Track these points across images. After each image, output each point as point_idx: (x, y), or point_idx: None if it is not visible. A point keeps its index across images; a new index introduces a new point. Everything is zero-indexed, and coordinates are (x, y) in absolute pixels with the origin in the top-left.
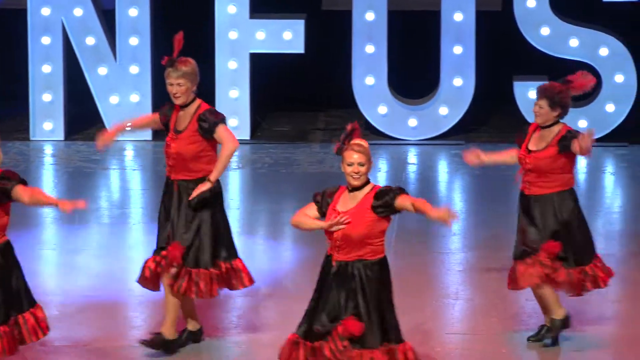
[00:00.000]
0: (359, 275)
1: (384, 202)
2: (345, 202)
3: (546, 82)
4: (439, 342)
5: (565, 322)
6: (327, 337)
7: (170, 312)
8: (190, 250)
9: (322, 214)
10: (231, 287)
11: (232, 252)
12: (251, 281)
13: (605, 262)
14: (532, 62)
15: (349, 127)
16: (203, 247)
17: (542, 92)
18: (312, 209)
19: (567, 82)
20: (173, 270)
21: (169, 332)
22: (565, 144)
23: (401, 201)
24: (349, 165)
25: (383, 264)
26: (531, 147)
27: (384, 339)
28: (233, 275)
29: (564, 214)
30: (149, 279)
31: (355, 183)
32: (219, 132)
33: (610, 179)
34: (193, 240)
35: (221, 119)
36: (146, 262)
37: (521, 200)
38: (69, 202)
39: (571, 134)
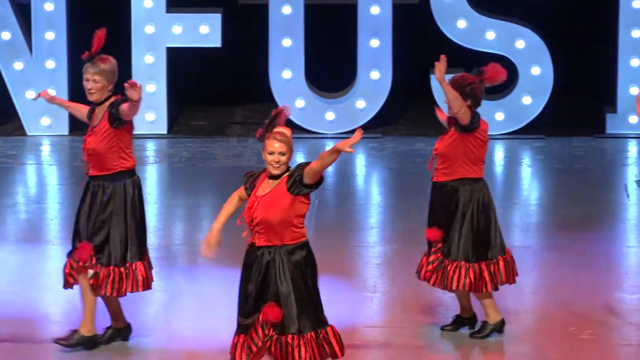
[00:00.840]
0: (279, 261)
1: (294, 179)
2: (265, 187)
3: (458, 74)
4: (357, 336)
5: (500, 327)
6: (251, 328)
7: (86, 309)
8: (103, 249)
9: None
10: (132, 289)
11: (140, 253)
12: (146, 287)
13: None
14: (449, 55)
15: (273, 112)
16: (115, 246)
17: (452, 84)
18: (243, 192)
19: (480, 73)
20: (91, 271)
21: (85, 329)
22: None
23: (307, 170)
24: (269, 154)
25: (305, 247)
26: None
27: (307, 325)
28: (133, 276)
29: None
30: (72, 283)
31: (275, 172)
32: (122, 106)
33: (527, 171)
34: (105, 239)
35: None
36: (65, 268)
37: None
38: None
39: None
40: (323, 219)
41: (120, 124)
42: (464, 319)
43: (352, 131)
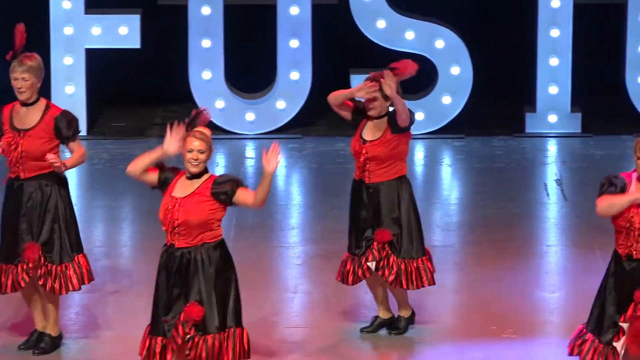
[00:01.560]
0: (200, 260)
1: (225, 191)
2: (184, 188)
3: (375, 73)
4: (278, 336)
5: (411, 319)
6: (173, 328)
7: (51, 311)
8: (51, 247)
9: (159, 187)
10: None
11: (80, 245)
12: (91, 278)
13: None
14: (368, 55)
15: (194, 111)
16: (60, 242)
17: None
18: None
19: (391, 69)
20: (39, 271)
21: (53, 330)
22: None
23: (242, 198)
24: (188, 151)
25: (222, 245)
26: (367, 137)
27: (223, 324)
28: (79, 270)
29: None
30: (27, 288)
31: (194, 170)
32: (74, 144)
33: (447, 171)
34: (50, 236)
35: (78, 131)
36: (10, 277)
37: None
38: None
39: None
40: (244, 219)
41: (67, 141)
42: (385, 320)
43: (272, 132)
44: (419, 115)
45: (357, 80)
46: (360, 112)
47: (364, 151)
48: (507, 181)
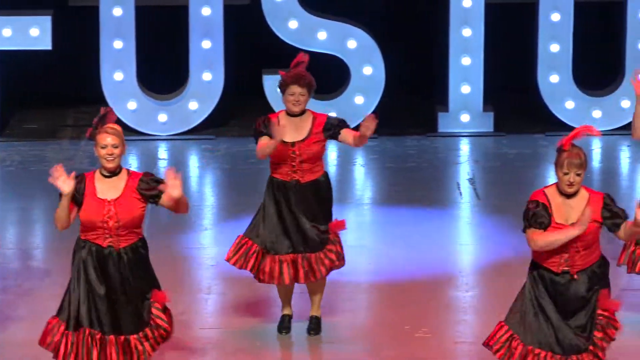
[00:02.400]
0: (126, 259)
1: (155, 193)
2: (109, 189)
3: (291, 71)
4: (192, 338)
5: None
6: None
7: None
8: None
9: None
10: None
11: None
12: None
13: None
14: (281, 56)
15: (102, 110)
16: None
17: (299, 80)
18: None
19: (299, 63)
20: None
21: None
22: (334, 132)
23: (166, 202)
24: (102, 147)
25: (145, 245)
26: (290, 139)
27: (139, 324)
28: None
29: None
30: None
31: (110, 165)
32: None
33: (360, 171)
34: None
35: None
36: None
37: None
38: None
39: (336, 121)
40: (157, 220)
41: None
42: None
43: (185, 133)
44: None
45: (270, 81)
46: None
47: (298, 152)
48: (420, 181)
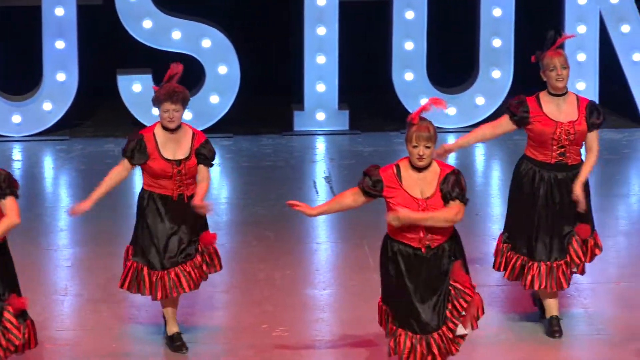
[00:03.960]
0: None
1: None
2: None
3: (164, 86)
4: (49, 339)
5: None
6: None
7: None
8: None
9: None
10: None
11: None
12: None
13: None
14: (136, 56)
15: None
16: None
17: (172, 96)
18: None
19: (172, 77)
20: None
21: None
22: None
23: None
24: None
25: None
26: (172, 156)
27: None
28: None
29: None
30: None
31: None
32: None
33: (216, 170)
34: None
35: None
36: None
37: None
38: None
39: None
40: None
41: None
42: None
43: (39, 134)
44: (187, 115)
45: (124, 81)
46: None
47: (183, 171)
48: (277, 179)
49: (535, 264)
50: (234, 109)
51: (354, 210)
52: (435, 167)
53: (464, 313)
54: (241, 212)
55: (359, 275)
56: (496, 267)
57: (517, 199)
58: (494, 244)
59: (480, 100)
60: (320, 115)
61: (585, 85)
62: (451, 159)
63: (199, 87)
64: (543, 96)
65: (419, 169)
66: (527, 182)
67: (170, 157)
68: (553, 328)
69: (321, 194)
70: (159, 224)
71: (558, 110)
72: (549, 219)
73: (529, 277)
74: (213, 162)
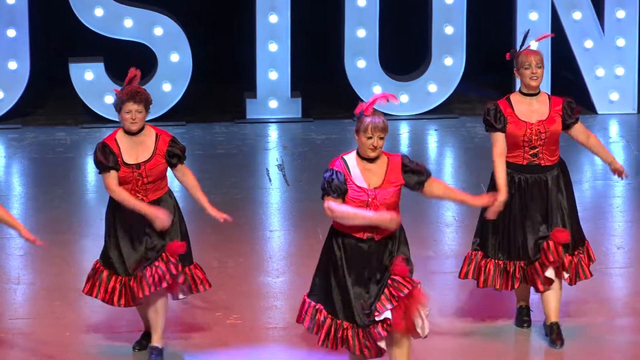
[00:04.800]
0: None
1: None
2: None
3: (125, 88)
4: (2, 328)
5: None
6: None
7: None
8: None
9: None
10: None
11: None
12: None
13: None
14: (87, 44)
15: None
16: None
17: (134, 97)
18: None
19: (132, 79)
20: None
21: None
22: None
23: None
24: None
25: None
26: (132, 160)
27: None
28: None
29: None
30: None
31: None
32: None
33: None
34: None
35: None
36: None
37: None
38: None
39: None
40: None
41: None
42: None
43: None
44: (131, 106)
45: (76, 69)
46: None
47: (144, 174)
48: (230, 167)
49: (510, 265)
50: (186, 97)
51: (306, 197)
52: (382, 157)
53: (396, 304)
54: (192, 201)
55: (312, 262)
56: (462, 275)
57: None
58: (447, 230)
59: (432, 88)
60: (273, 103)
61: None
62: (404, 146)
63: (151, 75)
64: (514, 97)
65: (369, 160)
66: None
67: (131, 162)
68: (551, 336)
69: (274, 182)
70: (124, 232)
71: (529, 110)
72: (518, 221)
73: (499, 280)
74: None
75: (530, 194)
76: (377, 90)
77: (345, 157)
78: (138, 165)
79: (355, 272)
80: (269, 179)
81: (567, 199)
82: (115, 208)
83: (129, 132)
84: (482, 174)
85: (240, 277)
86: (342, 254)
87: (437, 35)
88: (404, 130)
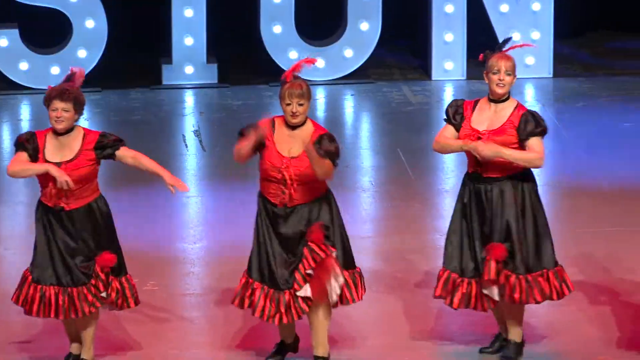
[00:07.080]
0: None
1: None
2: None
3: (61, 87)
4: None
5: None
6: None
7: None
8: None
9: None
10: None
11: None
12: None
13: None
14: (2, 11)
15: None
16: None
17: (62, 95)
18: None
19: (71, 75)
20: None
21: None
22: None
23: None
24: None
25: None
26: (55, 159)
27: None
28: None
29: None
30: None
31: None
32: None
33: (83, 125)
34: None
35: None
36: None
37: None
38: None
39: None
40: None
41: None
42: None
43: None
44: (54, 70)
45: None
46: None
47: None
48: (146, 133)
49: (465, 281)
50: (102, 63)
51: (225, 163)
52: (309, 127)
53: (310, 271)
54: (110, 167)
55: (230, 228)
56: (437, 293)
57: (453, 212)
58: (364, 195)
59: (348, 53)
60: (189, 69)
61: (453, 36)
62: (320, 111)
63: (67, 42)
64: (482, 101)
65: (293, 127)
66: (459, 194)
67: (52, 161)
68: (505, 353)
69: (191, 148)
70: (49, 238)
71: (485, 117)
72: (468, 234)
73: (457, 296)
74: (123, 141)
75: (475, 205)
76: (293, 55)
77: (275, 119)
78: (59, 164)
79: (274, 236)
80: (186, 145)
81: (519, 220)
82: (41, 210)
83: (56, 132)
84: (398, 138)
85: (157, 244)
86: (263, 217)
87: (353, 0)
88: (320, 96)
